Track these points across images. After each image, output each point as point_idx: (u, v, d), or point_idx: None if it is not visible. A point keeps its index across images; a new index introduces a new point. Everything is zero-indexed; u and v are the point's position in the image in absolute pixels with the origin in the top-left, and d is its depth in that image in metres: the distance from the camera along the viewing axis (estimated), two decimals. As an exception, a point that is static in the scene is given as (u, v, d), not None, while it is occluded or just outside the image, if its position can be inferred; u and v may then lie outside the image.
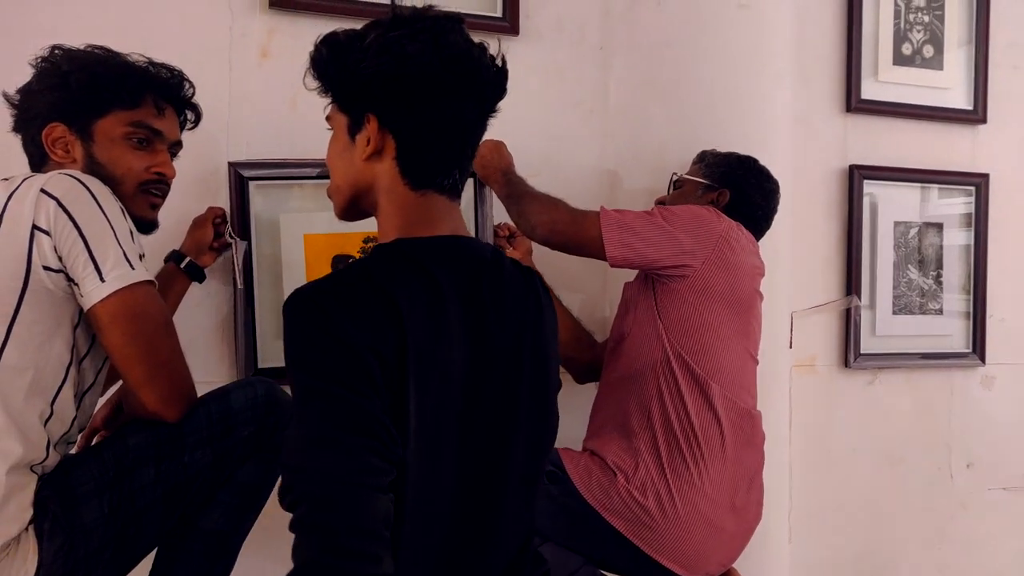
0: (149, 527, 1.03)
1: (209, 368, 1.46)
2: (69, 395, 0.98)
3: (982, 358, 2.01)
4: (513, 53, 1.62)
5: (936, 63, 1.97)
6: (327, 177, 1.42)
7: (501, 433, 0.85)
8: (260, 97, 1.49)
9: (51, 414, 0.96)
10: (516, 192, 1.44)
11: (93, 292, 0.93)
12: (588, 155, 1.70)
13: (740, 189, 1.40)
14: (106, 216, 0.95)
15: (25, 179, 0.95)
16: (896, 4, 1.93)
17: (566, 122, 1.68)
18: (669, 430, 1.26)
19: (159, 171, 1.09)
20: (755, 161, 1.44)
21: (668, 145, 1.65)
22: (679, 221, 1.29)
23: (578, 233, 1.31)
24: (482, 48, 0.86)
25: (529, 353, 0.88)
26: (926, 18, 1.96)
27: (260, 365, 1.47)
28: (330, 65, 0.86)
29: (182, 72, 1.13)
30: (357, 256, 1.51)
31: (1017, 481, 2.09)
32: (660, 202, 1.46)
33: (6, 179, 0.98)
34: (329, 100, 0.89)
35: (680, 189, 1.48)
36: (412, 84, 0.82)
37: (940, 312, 1.98)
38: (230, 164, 1.44)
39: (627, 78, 1.70)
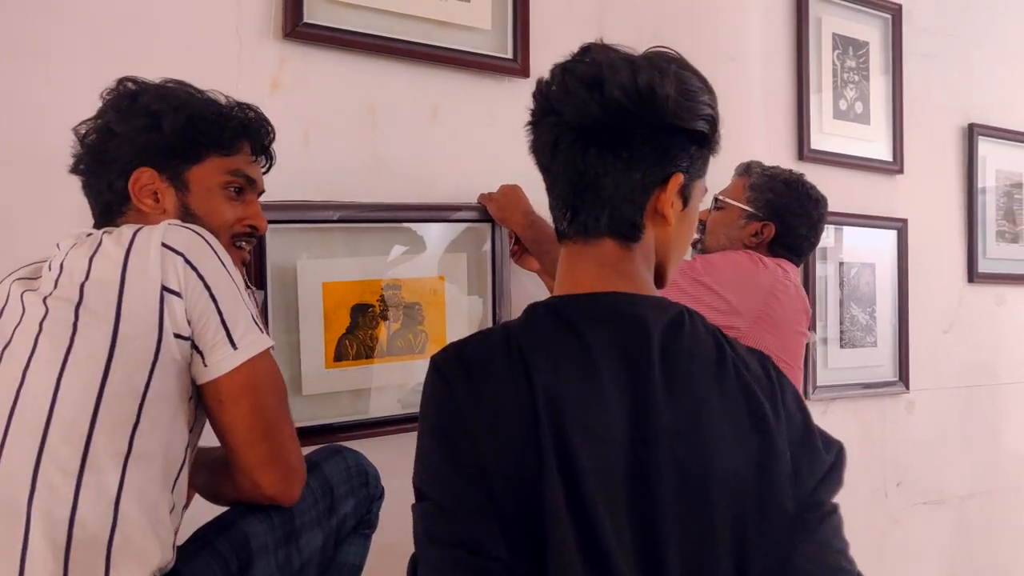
0: None
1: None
2: (184, 480, 0.84)
3: (907, 385, 2.22)
4: (524, 95, 1.60)
5: (865, 118, 2.17)
6: (351, 220, 1.37)
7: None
8: (271, 132, 1.36)
9: (173, 505, 0.81)
10: (545, 238, 1.41)
11: (224, 361, 0.81)
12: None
13: (785, 222, 1.37)
14: (229, 273, 0.83)
15: (137, 233, 0.80)
16: (834, 63, 2.11)
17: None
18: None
19: (252, 224, 0.97)
20: (802, 184, 1.41)
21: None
22: (722, 277, 1.28)
23: None
24: (572, 70, 0.76)
25: (684, 450, 0.71)
26: (856, 77, 2.15)
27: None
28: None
29: (263, 113, 1.01)
30: (376, 305, 1.41)
31: (935, 495, 2.32)
32: (700, 221, 1.43)
33: (88, 234, 0.83)
34: None
35: (722, 211, 1.44)
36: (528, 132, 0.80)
37: (875, 344, 2.17)
38: (243, 206, 1.30)
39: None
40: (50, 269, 0.83)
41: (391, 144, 1.46)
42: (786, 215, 1.39)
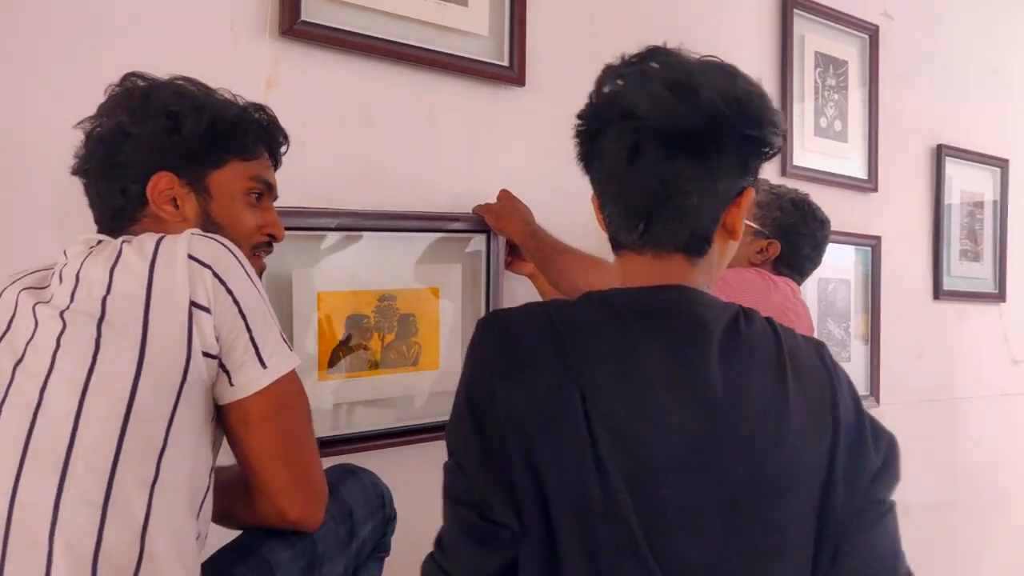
0: None
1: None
2: (209, 506, 0.79)
3: (877, 399, 2.26)
4: (519, 104, 1.58)
5: (843, 136, 2.20)
6: (347, 229, 1.32)
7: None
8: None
9: (199, 533, 0.76)
10: (548, 248, 1.37)
11: (252, 381, 0.76)
12: (587, 209, 1.67)
13: (791, 241, 1.37)
14: (257, 287, 0.78)
15: (161, 243, 0.74)
16: (816, 81, 2.13)
17: (567, 175, 1.65)
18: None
19: (271, 232, 0.92)
20: (809, 204, 1.41)
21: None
22: (734, 294, 1.28)
23: None
24: (647, 74, 0.74)
25: (744, 462, 0.69)
26: (836, 95, 2.18)
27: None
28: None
29: (275, 115, 0.96)
30: (371, 316, 1.36)
31: (899, 508, 2.36)
32: None
33: (95, 243, 0.77)
34: None
35: None
36: (579, 144, 0.78)
37: (849, 359, 2.20)
38: (236, 211, 1.24)
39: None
40: (61, 280, 0.77)
41: (386, 149, 1.42)
42: (792, 234, 1.39)
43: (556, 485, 0.67)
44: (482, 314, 1.48)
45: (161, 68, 1.16)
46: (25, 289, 0.78)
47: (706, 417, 0.69)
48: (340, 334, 1.33)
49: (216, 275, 0.75)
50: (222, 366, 0.77)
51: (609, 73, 0.76)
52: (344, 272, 1.33)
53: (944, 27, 2.51)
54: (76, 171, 0.88)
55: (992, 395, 2.68)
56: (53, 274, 0.79)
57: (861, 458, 0.74)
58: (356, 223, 1.33)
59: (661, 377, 0.69)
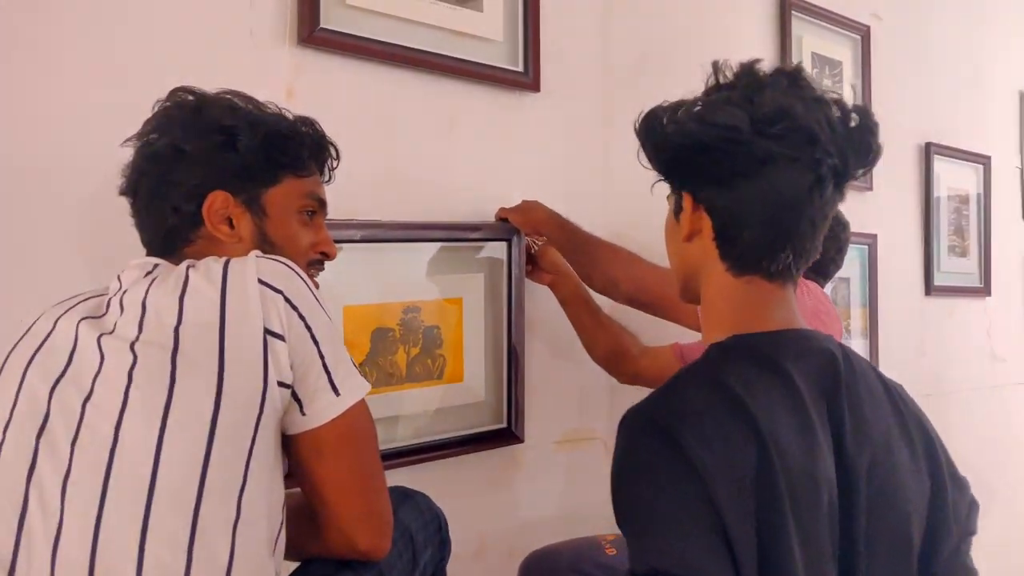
0: None
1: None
2: (283, 541, 0.75)
3: (876, 396, 2.29)
4: (535, 110, 1.56)
5: (839, 136, 2.22)
6: (373, 240, 1.29)
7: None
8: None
9: (276, 571, 0.73)
10: (580, 238, 1.35)
11: (326, 410, 0.73)
12: (596, 212, 1.66)
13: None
14: (325, 312, 0.75)
15: (229, 267, 0.71)
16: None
17: (582, 180, 1.64)
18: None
19: (324, 250, 0.88)
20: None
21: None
22: None
23: (668, 296, 1.26)
24: (815, 101, 0.73)
25: (880, 486, 0.71)
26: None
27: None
28: (645, 138, 0.76)
29: (322, 129, 0.93)
30: (396, 329, 1.33)
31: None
32: None
33: (150, 268, 0.73)
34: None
35: None
36: (718, 155, 0.73)
37: (849, 357, 2.23)
38: (259, 224, 1.20)
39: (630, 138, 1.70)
40: (122, 308, 0.72)
41: (407, 158, 1.39)
42: None
43: (765, 549, 0.64)
44: (504, 324, 1.46)
45: (181, 76, 1.11)
46: (85, 319, 0.73)
47: (842, 456, 0.71)
48: (366, 349, 1.30)
49: (288, 300, 0.72)
50: (294, 395, 0.73)
51: (755, 80, 0.73)
52: (368, 284, 1.30)
53: (929, 28, 2.55)
54: (125, 191, 0.84)
55: (977, 388, 2.73)
56: (109, 302, 0.75)
57: (959, 489, 0.77)
58: (382, 234, 1.30)
59: (817, 419, 0.70)
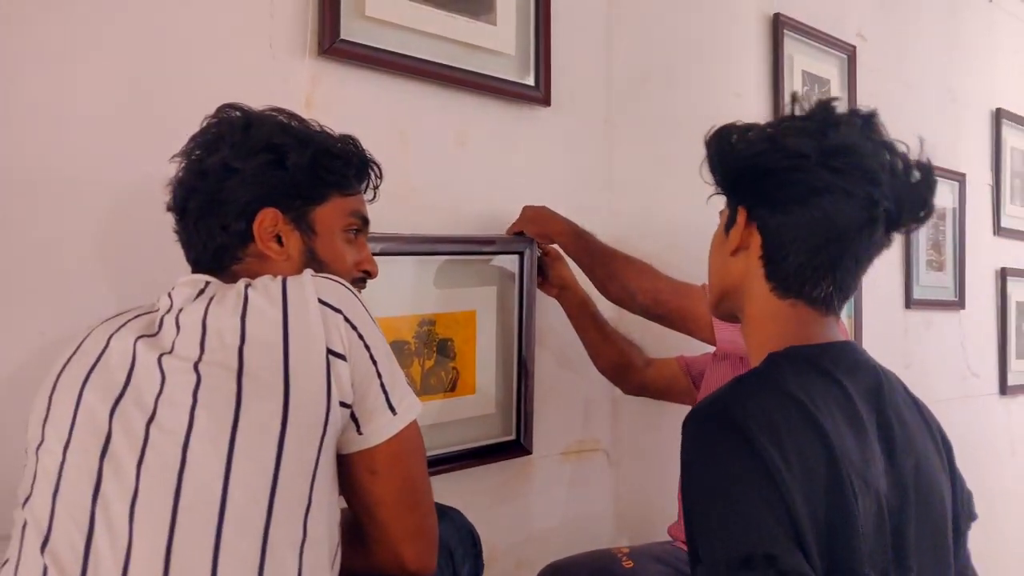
0: None
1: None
2: (339, 559, 0.74)
3: (861, 406, 2.34)
4: (545, 125, 1.57)
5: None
6: (391, 253, 1.29)
7: None
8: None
9: None
10: (597, 248, 1.36)
11: (383, 429, 0.73)
12: (601, 225, 1.68)
13: None
14: (379, 331, 0.75)
15: (287, 286, 0.71)
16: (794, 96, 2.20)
17: (591, 194, 1.65)
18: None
19: (367, 269, 0.88)
20: None
21: (676, 216, 1.73)
22: None
23: (683, 308, 1.28)
24: (883, 146, 0.76)
25: (924, 490, 0.75)
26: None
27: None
28: (713, 152, 0.78)
29: (363, 146, 0.93)
30: (411, 342, 1.33)
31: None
32: None
33: (203, 286, 0.73)
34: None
35: None
36: (780, 177, 0.76)
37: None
38: (279, 236, 1.19)
39: (633, 151, 1.72)
40: (178, 327, 0.71)
41: (421, 170, 1.39)
42: None
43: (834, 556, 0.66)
44: (515, 336, 1.46)
45: (201, 86, 1.12)
46: (141, 337, 0.72)
47: (892, 465, 0.74)
48: (383, 361, 1.29)
49: (348, 320, 0.72)
50: (352, 415, 0.73)
51: (831, 116, 0.76)
52: (386, 297, 1.30)
53: (909, 49, 2.62)
54: (172, 207, 0.83)
55: (952, 398, 2.81)
56: (162, 320, 0.74)
57: (960, 481, 0.82)
58: (398, 247, 1.30)
59: (871, 430, 0.73)
